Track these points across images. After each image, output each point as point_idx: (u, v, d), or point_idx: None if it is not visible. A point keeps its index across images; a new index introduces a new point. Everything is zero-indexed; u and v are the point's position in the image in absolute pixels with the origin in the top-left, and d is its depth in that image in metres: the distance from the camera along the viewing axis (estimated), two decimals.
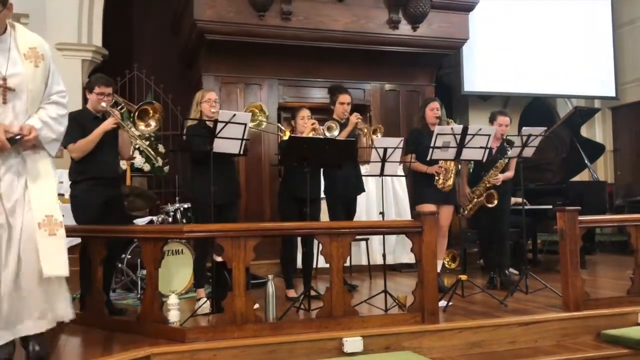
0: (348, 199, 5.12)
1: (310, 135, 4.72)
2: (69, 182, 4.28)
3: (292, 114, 5.02)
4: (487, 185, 5.11)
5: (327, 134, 4.86)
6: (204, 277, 4.62)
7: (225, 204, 4.47)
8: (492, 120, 5.35)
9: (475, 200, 5.16)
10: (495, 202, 5.05)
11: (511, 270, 5.61)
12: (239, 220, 4.63)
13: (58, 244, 2.99)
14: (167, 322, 3.58)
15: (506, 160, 5.12)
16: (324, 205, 5.12)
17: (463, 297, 4.57)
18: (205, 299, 4.23)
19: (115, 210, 4.30)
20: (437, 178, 4.89)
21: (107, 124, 4.16)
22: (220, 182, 4.37)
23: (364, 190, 5.22)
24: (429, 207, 4.80)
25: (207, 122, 4.33)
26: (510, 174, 5.21)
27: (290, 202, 4.80)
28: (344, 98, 5.13)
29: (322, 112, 5.34)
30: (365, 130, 5.02)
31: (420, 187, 5.08)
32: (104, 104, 4.20)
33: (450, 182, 4.90)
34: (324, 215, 5.15)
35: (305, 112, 4.90)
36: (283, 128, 4.92)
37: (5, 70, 2.97)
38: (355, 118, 4.99)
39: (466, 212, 5.25)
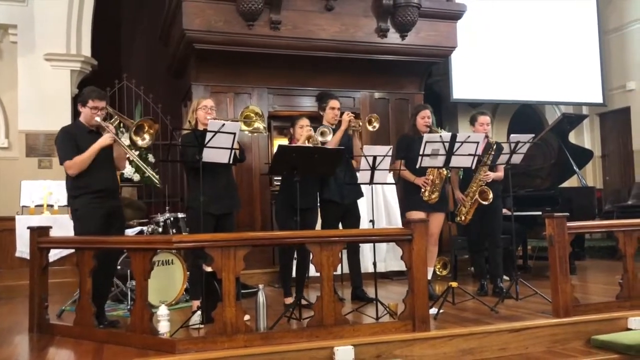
0: (345, 206, 5.09)
1: (306, 143, 4.73)
2: (68, 197, 4.27)
3: (292, 122, 5.03)
4: (479, 183, 5.11)
5: (320, 139, 4.88)
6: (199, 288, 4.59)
7: (222, 214, 4.46)
8: (472, 122, 5.38)
9: (470, 202, 5.14)
10: (490, 198, 5.00)
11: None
12: (234, 230, 4.61)
13: None
14: (156, 334, 3.56)
15: (492, 154, 5.09)
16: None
17: (454, 304, 4.57)
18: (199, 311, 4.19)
19: (116, 221, 4.30)
20: (423, 190, 4.94)
21: (104, 141, 4.15)
22: (218, 192, 4.37)
23: (362, 195, 5.20)
24: (418, 215, 4.82)
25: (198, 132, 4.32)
26: (500, 174, 5.22)
27: (288, 211, 4.79)
28: (334, 103, 5.16)
29: (314, 121, 5.34)
30: (359, 127, 5.04)
31: (410, 194, 5.09)
32: (97, 119, 4.19)
33: (436, 195, 4.93)
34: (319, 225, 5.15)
35: (305, 122, 4.90)
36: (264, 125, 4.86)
37: None
38: (347, 116, 5.00)
39: (463, 217, 5.19)
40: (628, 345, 3.67)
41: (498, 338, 3.76)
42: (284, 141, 5.78)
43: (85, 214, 4.14)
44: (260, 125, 4.63)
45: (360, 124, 5.09)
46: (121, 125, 6.02)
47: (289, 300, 4.86)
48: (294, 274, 4.99)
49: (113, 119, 4.35)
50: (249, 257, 3.52)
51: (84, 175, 4.14)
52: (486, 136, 5.17)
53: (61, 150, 4.19)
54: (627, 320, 4.03)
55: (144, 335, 3.53)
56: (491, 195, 5.03)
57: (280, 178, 5.26)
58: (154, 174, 4.72)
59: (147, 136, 4.21)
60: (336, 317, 3.58)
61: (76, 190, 4.18)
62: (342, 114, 5.13)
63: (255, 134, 5.01)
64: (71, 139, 4.16)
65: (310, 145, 4.74)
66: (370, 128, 5.05)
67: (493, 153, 5.08)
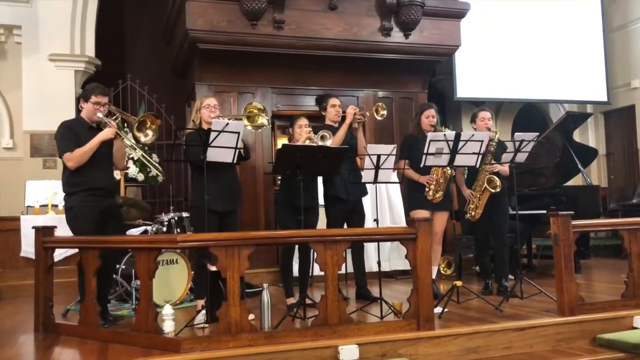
0: (350, 203, 5.08)
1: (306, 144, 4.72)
2: (64, 194, 4.26)
3: (291, 122, 5.03)
4: (485, 174, 5.09)
5: (320, 143, 4.87)
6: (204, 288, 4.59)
7: (226, 212, 4.46)
8: (473, 120, 5.38)
9: (479, 194, 5.11)
10: (499, 184, 5.00)
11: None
12: (238, 227, 4.62)
13: None
14: (161, 333, 3.56)
15: (495, 143, 5.08)
16: (322, 213, 5.11)
17: (458, 303, 4.55)
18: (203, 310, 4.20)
19: (112, 220, 4.30)
20: (427, 189, 4.94)
21: (106, 134, 4.14)
22: (222, 190, 4.37)
23: (366, 193, 5.20)
24: (422, 213, 4.81)
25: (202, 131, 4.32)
26: (505, 168, 5.19)
27: (288, 211, 4.78)
28: (335, 101, 5.20)
29: (317, 120, 5.34)
30: (364, 118, 5.10)
31: (414, 193, 5.09)
32: (100, 115, 4.18)
33: (440, 194, 4.92)
34: (322, 223, 5.14)
35: (303, 121, 4.90)
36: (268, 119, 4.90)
37: None
38: (352, 109, 5.02)
39: (473, 213, 5.16)
40: (634, 344, 3.66)
41: (503, 337, 3.75)
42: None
43: (81, 212, 4.12)
44: (264, 120, 4.63)
45: (368, 114, 5.12)
46: (124, 124, 6.03)
47: (291, 300, 4.86)
48: (295, 274, 4.99)
49: (115, 117, 4.34)
50: (253, 257, 3.52)
51: (81, 172, 4.13)
52: (488, 129, 5.17)
53: (61, 142, 4.18)
54: (633, 319, 4.02)
55: (149, 334, 3.54)
56: (499, 182, 5.02)
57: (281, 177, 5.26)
58: (158, 166, 4.71)
59: (150, 132, 4.20)
60: (340, 316, 3.58)
61: (72, 187, 4.17)
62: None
63: (259, 130, 5.03)
64: (72, 133, 4.15)
65: (313, 144, 4.74)
66: (378, 117, 5.11)
67: (495, 143, 5.07)
